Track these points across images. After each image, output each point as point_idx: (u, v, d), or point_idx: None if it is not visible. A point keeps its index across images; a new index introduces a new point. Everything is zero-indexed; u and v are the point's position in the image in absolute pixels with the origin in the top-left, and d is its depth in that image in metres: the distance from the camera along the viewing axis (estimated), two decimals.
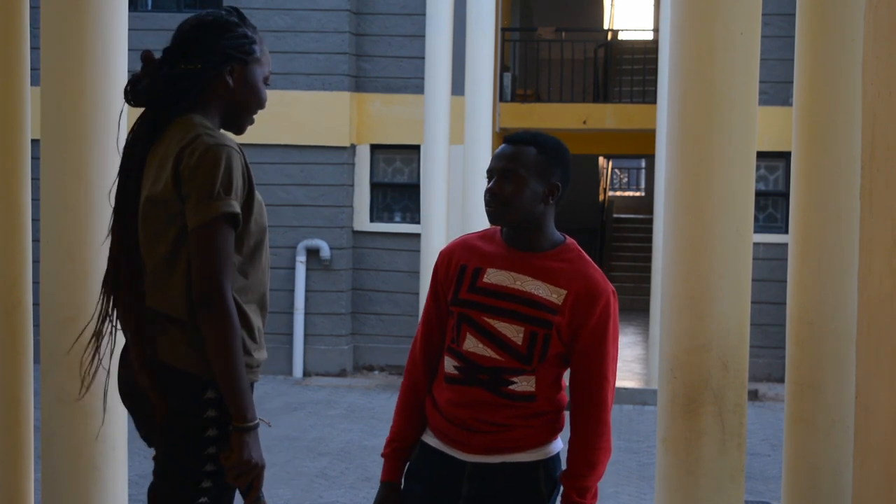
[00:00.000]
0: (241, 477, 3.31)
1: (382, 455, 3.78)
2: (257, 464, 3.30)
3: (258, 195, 3.46)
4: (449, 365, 3.59)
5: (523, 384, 3.51)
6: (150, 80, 3.46)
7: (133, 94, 3.48)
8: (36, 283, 5.21)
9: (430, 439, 3.67)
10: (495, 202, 3.52)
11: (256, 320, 3.47)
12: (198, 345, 3.31)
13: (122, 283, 3.49)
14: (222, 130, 3.52)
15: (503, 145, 3.60)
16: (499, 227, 3.65)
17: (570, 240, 3.64)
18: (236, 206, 3.29)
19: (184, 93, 3.44)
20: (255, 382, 3.48)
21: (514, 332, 3.49)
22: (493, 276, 3.55)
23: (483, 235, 3.69)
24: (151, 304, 3.43)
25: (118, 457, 5.17)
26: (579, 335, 3.49)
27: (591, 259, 3.61)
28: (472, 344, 3.53)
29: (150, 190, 3.38)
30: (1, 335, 5.13)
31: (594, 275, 3.53)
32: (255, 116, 3.65)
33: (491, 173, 3.56)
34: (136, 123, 3.50)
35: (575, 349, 3.51)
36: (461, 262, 3.62)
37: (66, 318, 5.04)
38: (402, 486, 3.74)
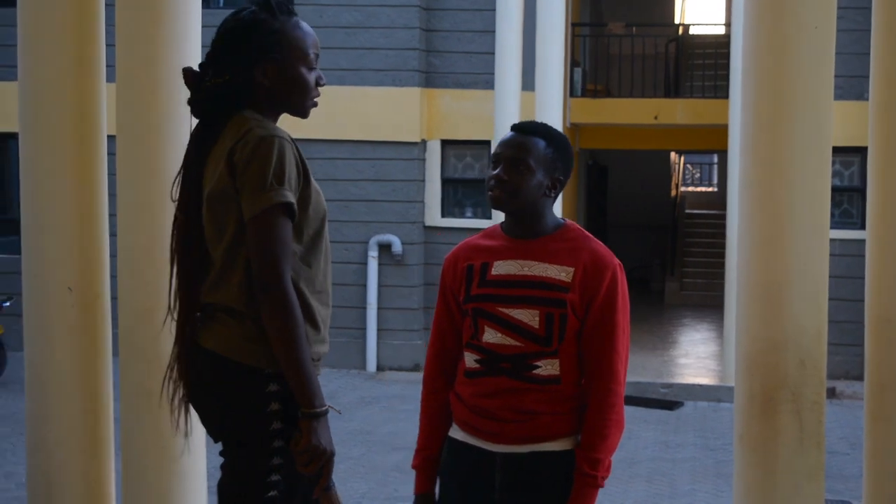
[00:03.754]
0: (310, 464, 3.29)
1: (413, 467, 3.81)
2: (325, 450, 3.28)
3: (315, 184, 3.46)
4: (470, 360, 3.63)
5: (547, 367, 3.54)
6: (197, 95, 3.49)
7: (191, 105, 3.53)
8: (113, 277, 5.27)
9: (456, 433, 3.69)
10: (501, 188, 3.57)
11: (321, 310, 3.48)
12: (259, 338, 3.32)
13: (177, 278, 3.53)
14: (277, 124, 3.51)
15: (511, 133, 3.63)
16: (499, 224, 3.71)
17: (569, 221, 3.69)
18: (290, 196, 3.28)
19: (224, 102, 3.45)
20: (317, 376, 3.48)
21: (529, 317, 3.53)
22: (501, 268, 3.60)
23: (484, 234, 3.77)
24: (210, 300, 3.44)
25: (196, 448, 5.21)
26: (590, 309, 3.53)
27: (593, 236, 3.66)
28: (491, 335, 3.57)
29: (210, 187, 3.40)
30: (80, 329, 5.20)
31: (599, 249, 3.59)
32: (316, 99, 3.58)
33: (498, 158, 3.59)
34: (196, 126, 3.54)
35: (586, 323, 3.54)
36: (467, 262, 3.69)
37: (144, 311, 5.09)
38: (437, 492, 3.77)
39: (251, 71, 3.45)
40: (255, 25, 3.45)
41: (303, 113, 3.56)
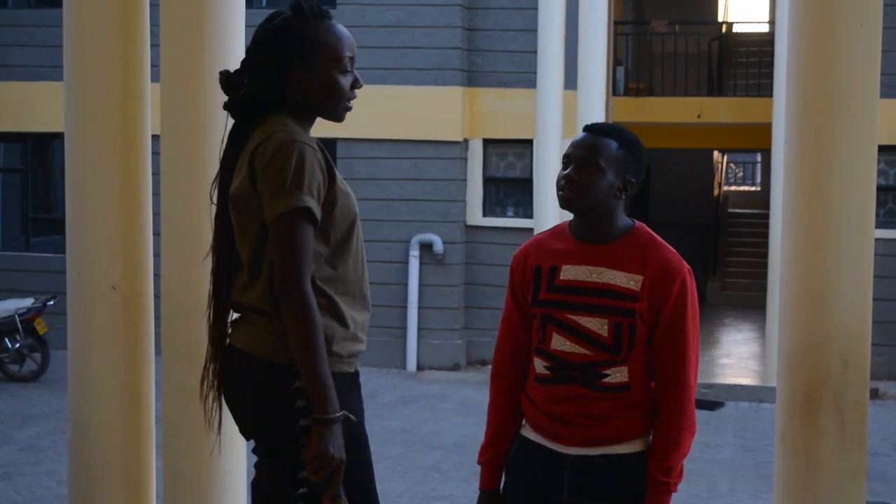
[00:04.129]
0: (319, 471, 3.24)
1: (479, 462, 3.77)
2: (334, 457, 3.24)
3: (343, 186, 3.45)
4: (539, 366, 3.61)
5: (617, 375, 3.52)
6: (232, 100, 3.51)
7: (227, 109, 3.55)
8: (157, 275, 5.30)
9: (528, 433, 3.67)
10: (571, 188, 3.52)
11: (350, 311, 3.46)
12: (286, 336, 3.32)
13: (212, 277, 3.56)
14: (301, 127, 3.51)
15: (583, 133, 3.59)
16: (567, 223, 3.66)
17: (638, 223, 3.64)
18: (308, 201, 3.27)
19: (255, 108, 3.47)
20: (350, 373, 3.47)
21: (598, 326, 3.50)
22: (570, 273, 3.56)
23: (553, 233, 3.70)
24: (238, 298, 3.47)
25: (236, 447, 5.23)
26: (659, 317, 3.50)
27: (662, 240, 3.61)
28: (559, 342, 3.55)
29: (234, 188, 3.42)
30: (123, 327, 5.24)
31: (668, 255, 3.54)
32: (351, 103, 3.54)
33: (569, 159, 3.55)
34: (231, 126, 3.56)
35: (656, 331, 3.51)
36: (536, 262, 3.63)
37: (187, 310, 5.11)
38: (501, 488, 3.74)
39: (285, 78, 3.45)
40: (287, 32, 3.44)
41: (337, 117, 3.56)
